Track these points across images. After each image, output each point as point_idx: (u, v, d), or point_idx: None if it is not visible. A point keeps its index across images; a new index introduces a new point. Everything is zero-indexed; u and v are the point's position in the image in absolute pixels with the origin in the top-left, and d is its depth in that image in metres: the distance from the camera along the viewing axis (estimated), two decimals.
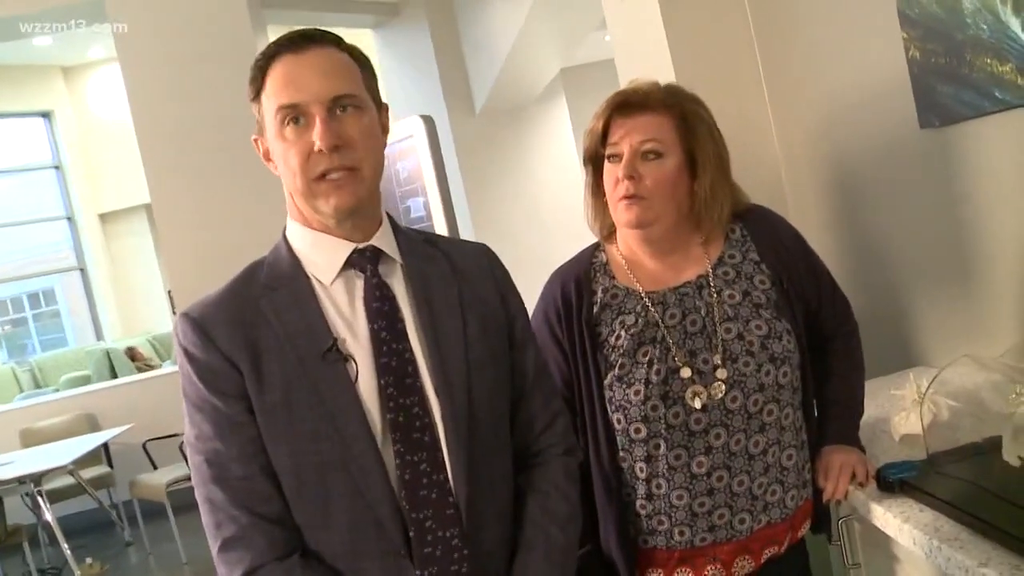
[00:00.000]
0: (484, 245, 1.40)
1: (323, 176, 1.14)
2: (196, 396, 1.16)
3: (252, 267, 1.23)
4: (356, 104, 1.16)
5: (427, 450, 1.16)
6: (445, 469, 1.17)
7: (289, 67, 1.15)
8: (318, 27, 1.20)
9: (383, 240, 1.24)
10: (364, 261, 1.21)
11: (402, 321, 1.20)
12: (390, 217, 1.28)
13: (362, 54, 1.23)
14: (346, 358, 1.16)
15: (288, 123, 1.14)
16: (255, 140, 1.23)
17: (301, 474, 1.14)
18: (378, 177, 1.22)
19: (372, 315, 1.19)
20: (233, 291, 1.20)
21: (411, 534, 1.14)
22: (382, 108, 1.24)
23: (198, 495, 1.16)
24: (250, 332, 1.15)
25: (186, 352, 1.16)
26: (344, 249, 1.20)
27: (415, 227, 2.76)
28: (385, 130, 1.24)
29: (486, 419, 1.22)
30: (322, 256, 1.21)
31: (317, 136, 1.12)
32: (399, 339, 1.19)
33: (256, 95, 1.19)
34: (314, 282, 1.20)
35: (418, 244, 1.29)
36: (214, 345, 1.15)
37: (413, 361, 1.19)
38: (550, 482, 1.29)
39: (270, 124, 1.17)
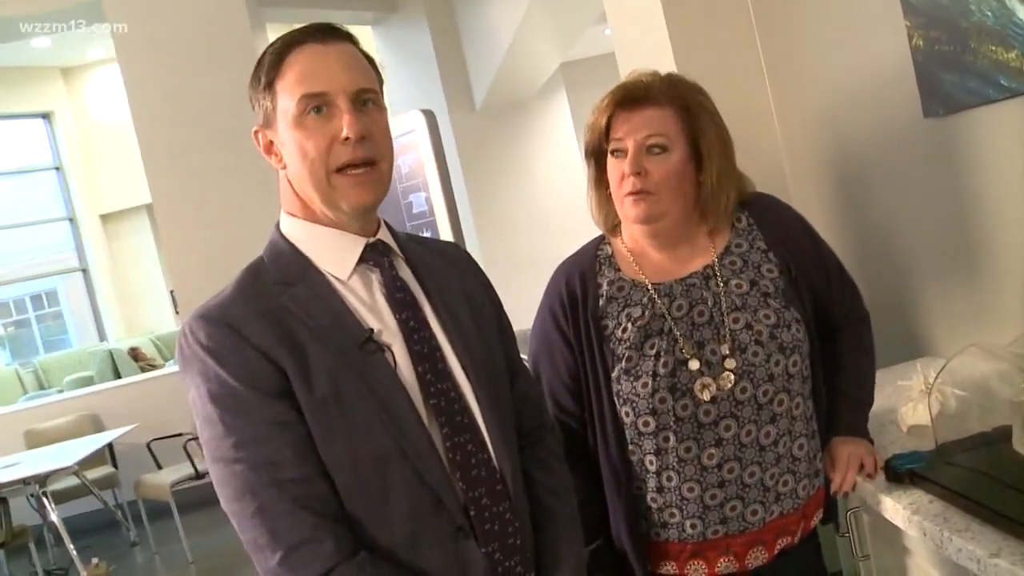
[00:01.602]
0: (455, 242, 1.42)
1: (343, 169, 1.13)
2: (232, 399, 1.09)
3: (253, 267, 1.20)
4: (375, 101, 1.17)
5: (469, 431, 1.18)
6: (487, 447, 1.20)
7: (315, 56, 1.14)
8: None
9: (386, 236, 1.25)
10: (378, 255, 1.22)
11: (422, 310, 1.22)
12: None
13: (374, 61, 1.24)
14: (383, 348, 1.15)
15: (310, 112, 1.13)
16: (255, 132, 1.20)
17: (358, 467, 1.11)
18: (391, 175, 1.22)
19: (397, 306, 1.20)
20: (245, 290, 1.15)
21: (472, 513, 1.16)
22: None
23: (243, 507, 1.09)
24: (282, 328, 1.12)
25: (213, 353, 1.10)
26: (358, 244, 1.20)
27: (418, 223, 2.75)
28: None
29: (503, 398, 1.27)
30: (334, 252, 1.19)
31: (346, 125, 1.11)
32: (424, 327, 1.21)
33: (269, 84, 1.16)
34: (329, 278, 1.18)
35: (406, 241, 1.31)
36: (249, 343, 1.10)
37: (440, 348, 1.21)
38: (551, 455, 1.35)
39: (286, 113, 1.14)
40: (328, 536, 1.09)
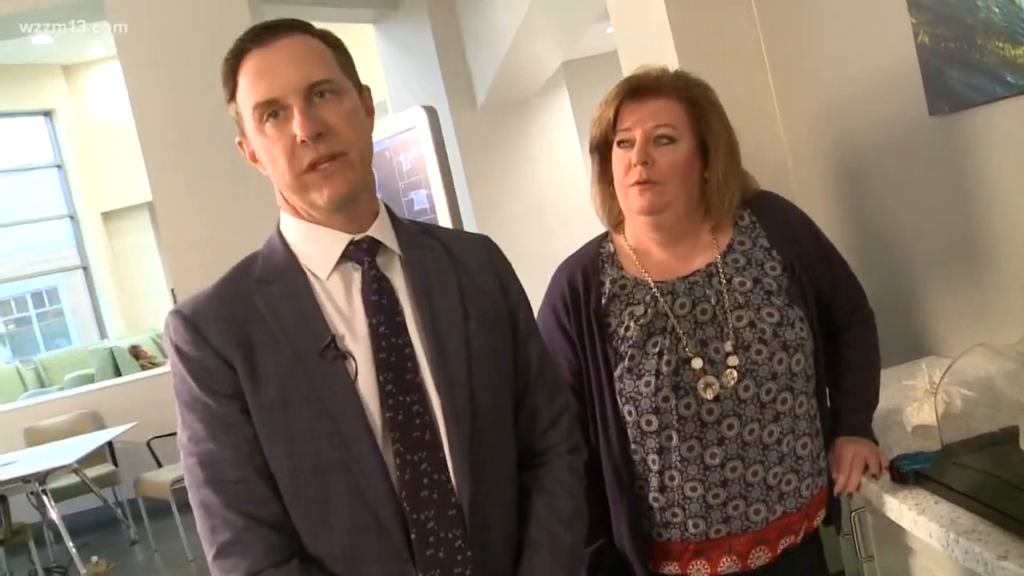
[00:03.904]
0: (484, 236, 1.36)
1: (311, 168, 1.10)
2: (188, 395, 1.12)
3: (245, 261, 1.20)
4: (334, 89, 1.12)
5: (428, 449, 1.12)
6: (447, 468, 1.13)
7: (259, 62, 1.11)
8: (290, 18, 1.16)
9: (380, 231, 1.19)
10: (361, 253, 1.17)
11: (401, 315, 1.16)
12: (387, 208, 1.25)
13: (334, 37, 1.18)
14: (344, 355, 1.12)
15: (267, 119, 1.10)
16: (239, 143, 1.18)
17: (299, 475, 1.10)
18: (369, 161, 1.17)
19: (370, 309, 1.15)
20: (226, 286, 1.16)
21: (413, 536, 1.10)
22: (363, 90, 1.19)
23: (192, 499, 1.12)
24: (243, 328, 1.11)
25: (178, 350, 1.12)
26: (340, 241, 1.16)
27: (418, 219, 2.73)
28: (370, 112, 1.20)
29: (489, 416, 1.18)
30: (317, 249, 1.17)
31: (298, 127, 1.08)
32: (398, 334, 1.15)
33: (231, 96, 1.15)
34: (310, 276, 1.16)
35: (416, 235, 1.25)
36: (206, 342, 1.11)
37: (413, 357, 1.15)
38: (556, 480, 1.25)
39: (249, 123, 1.13)
40: (258, 540, 1.09)
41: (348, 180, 1.12)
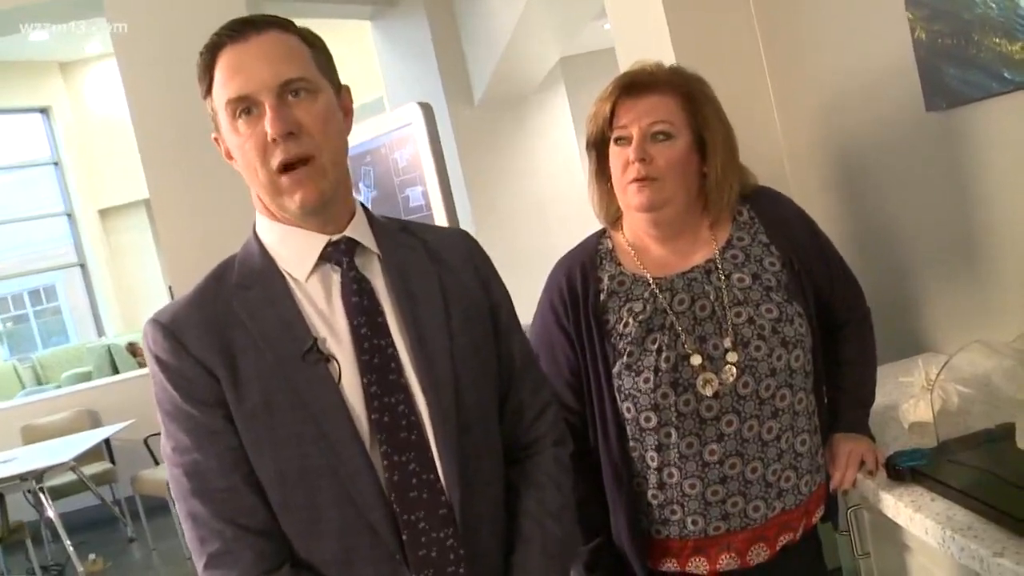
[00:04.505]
0: (464, 231, 1.34)
1: (283, 169, 1.09)
2: (170, 405, 1.11)
3: (222, 266, 1.18)
4: (308, 88, 1.10)
5: (415, 449, 1.11)
6: (435, 468, 1.12)
7: (234, 57, 1.09)
8: (263, 13, 1.15)
9: (358, 230, 1.18)
10: (339, 254, 1.15)
11: (383, 315, 1.15)
12: (364, 207, 1.23)
13: (313, 35, 1.17)
14: (327, 358, 1.11)
15: (240, 116, 1.09)
16: (215, 139, 1.17)
17: (287, 481, 1.09)
18: (342, 163, 1.15)
19: (351, 310, 1.13)
20: (204, 293, 1.15)
21: (404, 537, 1.10)
22: (342, 90, 1.18)
23: (179, 510, 1.11)
24: (224, 335, 1.10)
25: (158, 359, 1.11)
26: (317, 242, 1.15)
27: (414, 217, 2.72)
28: (347, 112, 1.19)
29: (474, 413, 1.18)
30: (294, 251, 1.15)
31: (269, 125, 1.07)
32: (380, 334, 1.14)
33: (207, 91, 1.13)
34: (288, 279, 1.15)
35: (395, 233, 1.23)
36: (186, 351, 1.09)
37: (396, 357, 1.14)
38: (543, 473, 1.24)
39: (223, 119, 1.12)
40: (248, 548, 1.08)
41: (319, 186, 1.11)
